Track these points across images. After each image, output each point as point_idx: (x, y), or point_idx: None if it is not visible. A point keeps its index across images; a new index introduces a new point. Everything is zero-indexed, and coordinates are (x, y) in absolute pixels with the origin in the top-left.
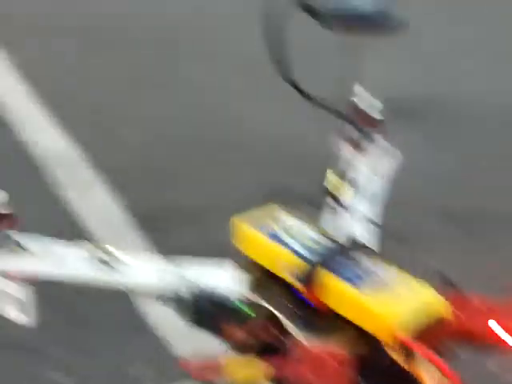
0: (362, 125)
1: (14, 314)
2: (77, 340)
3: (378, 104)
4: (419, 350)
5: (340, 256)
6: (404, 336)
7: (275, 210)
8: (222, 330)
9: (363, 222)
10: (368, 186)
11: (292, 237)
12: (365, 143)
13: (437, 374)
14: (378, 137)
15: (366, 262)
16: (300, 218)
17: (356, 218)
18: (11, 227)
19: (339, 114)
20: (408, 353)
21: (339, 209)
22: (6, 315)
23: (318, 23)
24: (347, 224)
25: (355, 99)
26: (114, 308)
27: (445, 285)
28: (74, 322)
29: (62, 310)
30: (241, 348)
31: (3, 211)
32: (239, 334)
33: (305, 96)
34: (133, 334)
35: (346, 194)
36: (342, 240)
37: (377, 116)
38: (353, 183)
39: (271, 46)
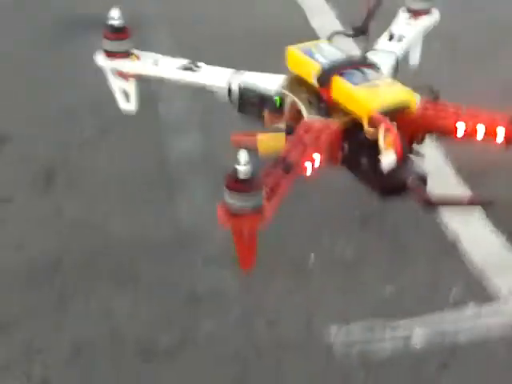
0: None
1: (123, 104)
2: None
3: None
4: (382, 121)
5: (351, 67)
6: (375, 113)
7: (321, 41)
8: (261, 115)
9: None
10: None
11: (322, 55)
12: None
13: (388, 139)
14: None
15: (368, 73)
16: (336, 46)
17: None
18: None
19: None
20: (375, 124)
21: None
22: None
23: None
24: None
25: None
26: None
27: (430, 94)
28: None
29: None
30: (270, 126)
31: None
32: (271, 117)
33: None
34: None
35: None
36: (357, 58)
37: None
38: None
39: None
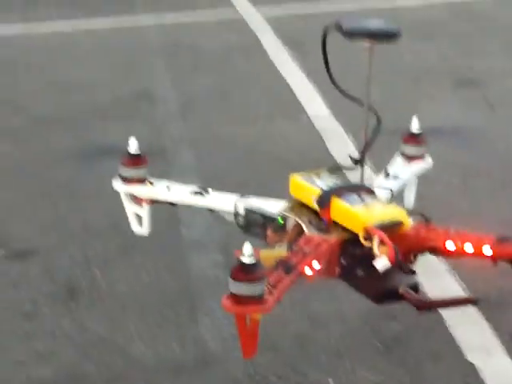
0: (408, 142)
1: (136, 228)
2: None
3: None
4: (376, 232)
5: (348, 191)
6: (369, 227)
7: (321, 170)
8: (264, 234)
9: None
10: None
11: (322, 181)
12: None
13: (384, 250)
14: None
15: (364, 196)
16: (334, 174)
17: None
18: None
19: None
20: (369, 237)
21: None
22: (134, 230)
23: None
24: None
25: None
26: None
27: (422, 218)
28: None
29: None
30: (273, 245)
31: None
32: (274, 236)
33: (346, 96)
34: None
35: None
36: (354, 184)
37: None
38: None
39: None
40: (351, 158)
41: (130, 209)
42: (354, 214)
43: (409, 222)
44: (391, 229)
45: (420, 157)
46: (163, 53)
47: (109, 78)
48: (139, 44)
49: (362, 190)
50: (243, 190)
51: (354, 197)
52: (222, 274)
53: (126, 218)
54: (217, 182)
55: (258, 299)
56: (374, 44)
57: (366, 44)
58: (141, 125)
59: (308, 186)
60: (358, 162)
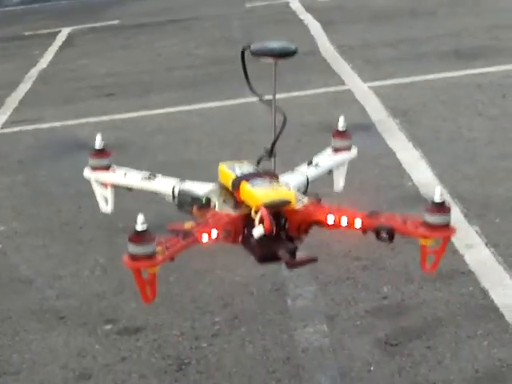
0: (335, 137)
1: (103, 207)
2: None
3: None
4: (260, 208)
5: (255, 176)
6: (260, 205)
7: (245, 161)
8: (192, 211)
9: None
10: (319, 163)
11: (240, 169)
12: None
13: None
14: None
15: (268, 180)
16: (252, 164)
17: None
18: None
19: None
20: (257, 211)
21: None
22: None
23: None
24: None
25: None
26: None
27: (315, 198)
28: None
29: None
30: (196, 219)
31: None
32: (198, 213)
33: (260, 99)
34: None
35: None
36: (262, 171)
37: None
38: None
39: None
40: (265, 149)
41: (98, 191)
42: (252, 193)
43: (295, 200)
44: (281, 206)
45: (346, 149)
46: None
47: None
48: (247, 122)
49: (268, 175)
50: None
51: (259, 181)
52: (327, 344)
53: (233, 292)
54: None
55: (148, 256)
56: (275, 60)
57: (269, 60)
58: None
59: (228, 173)
60: (270, 152)
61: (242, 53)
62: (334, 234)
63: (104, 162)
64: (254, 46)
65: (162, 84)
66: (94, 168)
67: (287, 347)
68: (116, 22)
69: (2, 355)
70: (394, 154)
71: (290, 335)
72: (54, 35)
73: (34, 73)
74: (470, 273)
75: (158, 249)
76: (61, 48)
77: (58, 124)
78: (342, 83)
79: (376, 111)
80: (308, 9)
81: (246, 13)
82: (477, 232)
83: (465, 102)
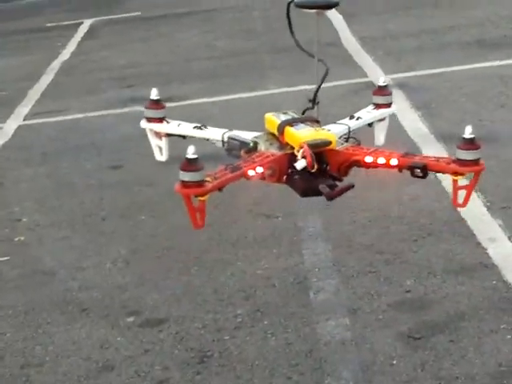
0: (376, 94)
1: (158, 156)
2: None
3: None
4: (303, 146)
5: (299, 121)
6: (301, 143)
7: (290, 110)
8: (240, 155)
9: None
10: (361, 116)
11: (285, 117)
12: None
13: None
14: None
15: (310, 124)
16: (296, 113)
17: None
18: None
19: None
20: (300, 149)
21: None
22: (157, 158)
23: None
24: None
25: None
26: None
27: (355, 141)
28: None
29: None
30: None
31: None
32: (246, 156)
33: (308, 54)
34: None
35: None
36: (304, 117)
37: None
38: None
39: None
40: (308, 98)
41: (154, 142)
42: (295, 135)
43: (335, 142)
44: (322, 146)
45: (386, 105)
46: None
47: None
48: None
49: (310, 121)
50: None
51: (301, 125)
52: (349, 337)
53: (255, 284)
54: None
55: (198, 184)
56: (319, 12)
57: (313, 11)
58: None
59: (274, 120)
60: (313, 102)
61: (288, 4)
62: (357, 227)
63: (159, 113)
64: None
65: (181, 75)
66: (150, 119)
67: (309, 340)
68: (137, 13)
69: (26, 347)
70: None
71: (312, 328)
72: (76, 27)
73: (56, 65)
74: (494, 266)
75: (208, 178)
76: (83, 39)
77: (80, 115)
78: (365, 75)
79: (398, 103)
80: None
81: (267, 3)
82: (500, 225)
83: (487, 94)
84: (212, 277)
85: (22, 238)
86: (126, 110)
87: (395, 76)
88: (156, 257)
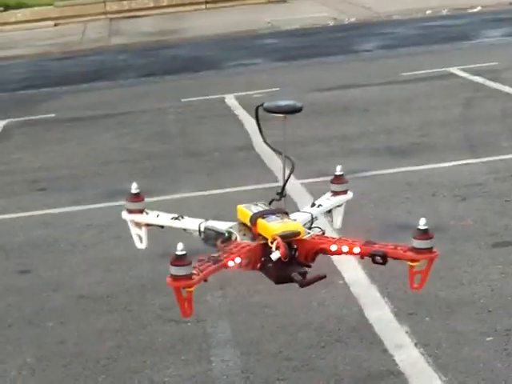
0: (333, 182)
1: (138, 245)
2: None
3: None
4: (276, 238)
5: (269, 213)
6: (274, 235)
7: (259, 203)
8: (216, 244)
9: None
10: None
11: (256, 209)
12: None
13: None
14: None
15: (279, 216)
16: (265, 204)
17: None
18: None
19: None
20: (273, 241)
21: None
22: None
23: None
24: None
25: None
26: None
27: (321, 231)
28: None
29: None
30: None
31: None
32: (222, 245)
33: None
34: None
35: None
36: (274, 209)
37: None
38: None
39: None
40: (277, 192)
41: (134, 231)
42: (267, 227)
43: (304, 233)
44: (292, 236)
45: (343, 192)
46: None
47: None
48: None
49: (280, 212)
50: None
51: (273, 217)
52: None
53: None
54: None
55: (186, 277)
56: (285, 115)
57: (280, 116)
58: None
59: (245, 211)
60: (280, 194)
61: (257, 109)
62: (266, 333)
63: (139, 205)
64: (267, 104)
65: (93, 179)
66: (131, 211)
67: None
68: (52, 115)
69: None
70: None
71: None
72: None
73: None
74: (400, 373)
75: (194, 271)
76: None
77: None
78: (275, 180)
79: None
80: (243, 105)
81: (181, 107)
82: (406, 332)
83: (394, 200)
84: None
85: None
86: (37, 212)
87: (306, 181)
88: (63, 365)
